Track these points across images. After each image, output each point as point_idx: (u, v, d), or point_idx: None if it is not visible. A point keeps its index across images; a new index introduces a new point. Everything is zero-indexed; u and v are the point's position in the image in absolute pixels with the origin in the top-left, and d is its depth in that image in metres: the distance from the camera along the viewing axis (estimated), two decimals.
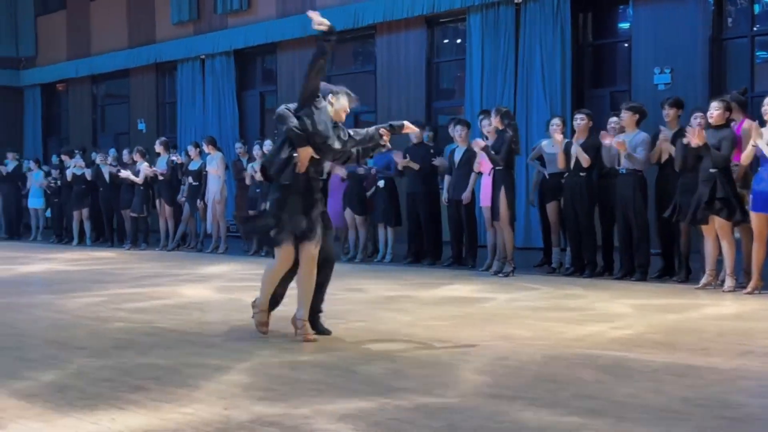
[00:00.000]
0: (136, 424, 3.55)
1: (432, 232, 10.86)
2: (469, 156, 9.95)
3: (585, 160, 8.91)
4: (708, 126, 7.79)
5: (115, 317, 6.55)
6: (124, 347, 5.29)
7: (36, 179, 16.88)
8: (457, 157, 10.26)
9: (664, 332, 5.70)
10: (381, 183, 11.12)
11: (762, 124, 7.55)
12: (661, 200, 8.55)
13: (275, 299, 5.67)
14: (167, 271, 10.21)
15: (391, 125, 5.78)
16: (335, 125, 5.54)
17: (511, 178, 9.24)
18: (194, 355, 5.01)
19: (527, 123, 12.73)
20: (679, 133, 8.17)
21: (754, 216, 7.50)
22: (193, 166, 13.42)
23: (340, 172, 11.20)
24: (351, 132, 5.66)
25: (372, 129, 5.75)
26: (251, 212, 10.90)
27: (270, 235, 5.47)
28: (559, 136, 9.09)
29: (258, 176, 12.11)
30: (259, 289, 5.63)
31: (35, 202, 17.12)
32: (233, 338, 5.58)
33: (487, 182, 9.49)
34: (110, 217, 15.03)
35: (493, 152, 9.09)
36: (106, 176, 14.70)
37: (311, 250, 5.38)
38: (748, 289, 7.49)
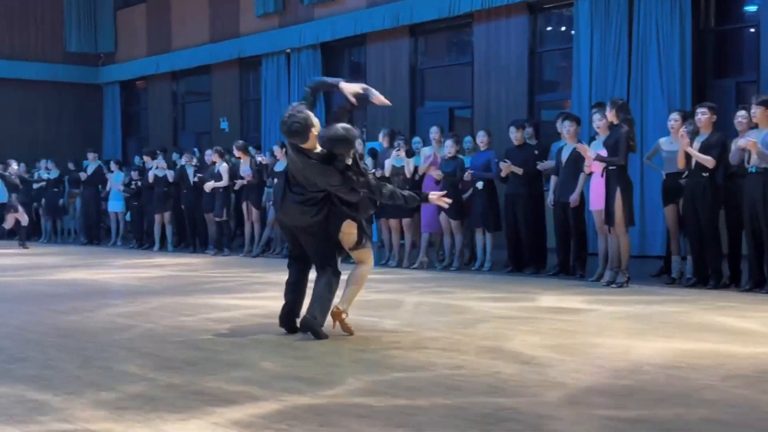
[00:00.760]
0: None
1: (535, 238, 10.76)
2: (578, 154, 9.82)
3: (707, 162, 8.68)
4: None
5: (204, 327, 6.72)
6: (214, 359, 5.42)
7: (116, 181, 17.41)
8: (565, 155, 10.13)
9: None
10: (479, 185, 11.08)
11: None
12: None
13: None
14: (254, 279, 10.43)
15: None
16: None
17: (627, 178, 9.08)
18: (288, 367, 5.10)
19: (642, 118, 12.50)
20: None
21: None
22: (279, 166, 13.63)
23: (435, 173, 11.23)
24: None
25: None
26: None
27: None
28: (684, 136, 8.84)
29: None
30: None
31: (115, 206, 17.61)
32: (327, 351, 5.66)
33: (598, 183, 9.35)
34: (192, 220, 15.42)
35: (605, 151, 8.95)
36: (191, 178, 15.05)
37: (369, 252, 6.30)
38: None
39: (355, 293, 6.24)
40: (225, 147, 15.06)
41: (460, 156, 11.44)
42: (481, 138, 11.32)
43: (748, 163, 8.40)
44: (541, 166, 10.61)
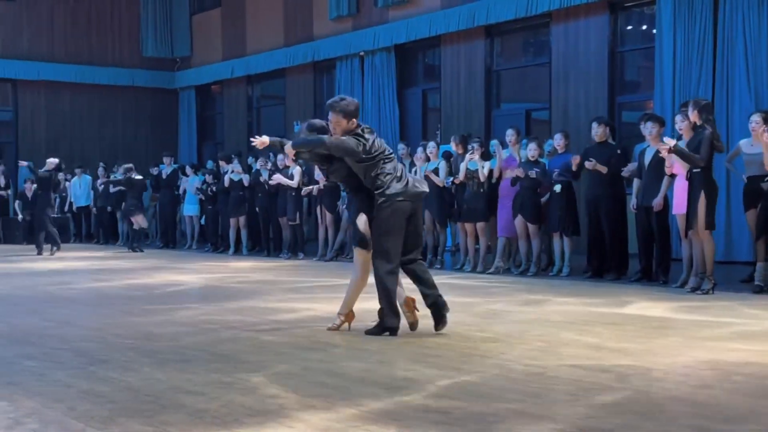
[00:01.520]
0: None
1: (616, 243, 10.60)
2: (662, 156, 9.62)
3: None
4: None
5: (279, 331, 6.80)
6: (291, 362, 5.49)
7: (192, 185, 17.76)
8: (648, 157, 9.95)
9: None
10: (557, 188, 10.96)
11: None
12: None
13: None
14: (328, 282, 10.52)
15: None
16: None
17: (712, 181, 8.89)
18: (364, 372, 5.13)
19: (728, 119, 12.23)
20: None
21: None
22: None
23: (518, 171, 11.10)
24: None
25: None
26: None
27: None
28: (764, 135, 8.63)
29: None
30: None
31: (190, 209, 17.97)
32: (403, 355, 5.67)
33: (682, 186, 9.18)
34: (267, 224, 15.61)
35: (687, 151, 8.77)
36: (268, 180, 15.22)
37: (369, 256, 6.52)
38: None
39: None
40: None
41: (542, 159, 11.31)
42: (558, 141, 11.19)
43: None
44: (625, 171, 10.43)
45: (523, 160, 11.34)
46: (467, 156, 11.71)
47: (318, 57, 19.69)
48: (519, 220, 11.28)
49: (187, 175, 18.03)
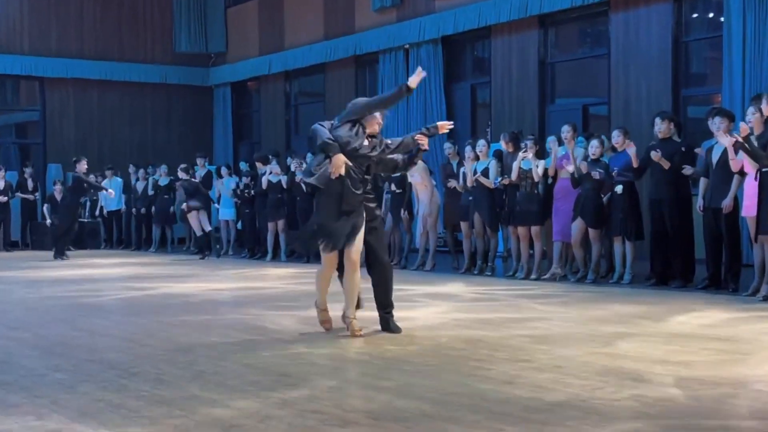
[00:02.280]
0: None
1: (682, 248, 10.46)
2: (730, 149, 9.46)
3: None
4: None
5: (318, 342, 6.82)
6: (331, 375, 5.50)
7: (227, 187, 17.85)
8: (716, 155, 9.80)
9: None
10: (618, 189, 10.83)
11: None
12: None
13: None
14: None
15: (426, 128, 7.34)
16: (370, 136, 7.02)
17: None
18: (407, 386, 5.11)
19: None
20: None
21: None
22: None
23: (570, 168, 11.01)
24: (388, 141, 7.16)
25: (408, 136, 7.32)
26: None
27: (311, 240, 7.15)
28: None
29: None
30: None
31: (226, 213, 18.03)
32: (444, 368, 5.65)
33: (752, 186, 9.03)
34: None
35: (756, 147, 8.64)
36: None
37: (349, 255, 6.92)
38: None
39: (320, 292, 7.36)
40: None
41: (603, 159, 11.16)
42: (616, 138, 11.02)
43: None
44: (686, 170, 10.27)
45: (580, 159, 11.21)
46: (520, 155, 11.63)
47: (360, 51, 19.70)
48: (578, 224, 11.15)
49: (222, 177, 18.12)
